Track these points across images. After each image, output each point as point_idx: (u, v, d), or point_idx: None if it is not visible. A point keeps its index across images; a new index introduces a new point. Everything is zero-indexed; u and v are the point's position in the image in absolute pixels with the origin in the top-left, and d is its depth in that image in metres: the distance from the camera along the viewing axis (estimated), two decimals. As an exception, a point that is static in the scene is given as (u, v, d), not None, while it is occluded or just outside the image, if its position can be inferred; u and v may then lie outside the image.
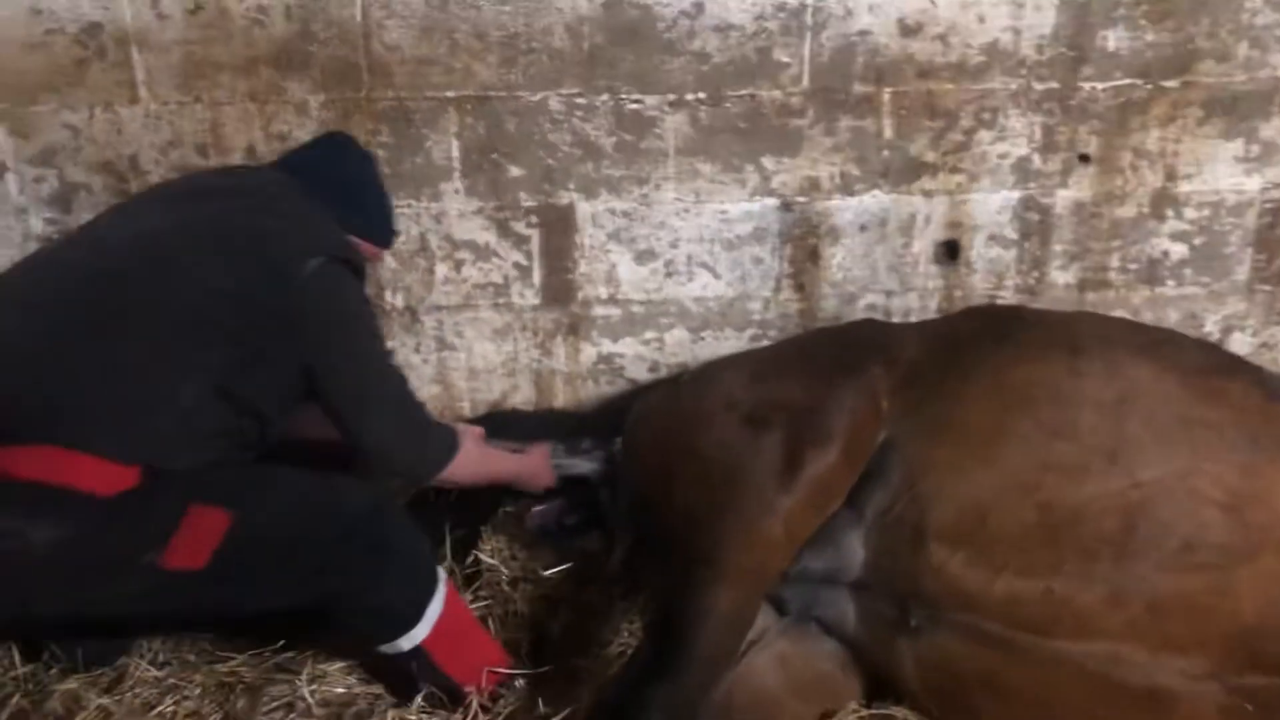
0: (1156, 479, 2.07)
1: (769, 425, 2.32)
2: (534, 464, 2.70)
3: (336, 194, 2.46)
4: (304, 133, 2.91)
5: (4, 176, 2.90)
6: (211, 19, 2.80)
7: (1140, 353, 2.28)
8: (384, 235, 2.69)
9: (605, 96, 2.94)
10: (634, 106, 2.96)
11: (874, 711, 2.33)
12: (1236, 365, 2.30)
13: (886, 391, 2.36)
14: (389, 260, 3.04)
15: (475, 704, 2.23)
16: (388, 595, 2.22)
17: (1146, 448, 2.10)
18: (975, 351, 2.39)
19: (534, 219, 3.05)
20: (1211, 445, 2.09)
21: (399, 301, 3.10)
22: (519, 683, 2.33)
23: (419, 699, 2.25)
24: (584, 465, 2.81)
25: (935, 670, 2.20)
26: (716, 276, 3.15)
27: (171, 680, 2.32)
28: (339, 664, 2.42)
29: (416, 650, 2.26)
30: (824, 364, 2.49)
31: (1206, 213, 3.17)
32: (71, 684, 2.29)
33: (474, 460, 2.46)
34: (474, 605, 2.70)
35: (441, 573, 2.32)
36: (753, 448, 2.28)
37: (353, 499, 2.22)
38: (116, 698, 2.25)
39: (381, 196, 2.69)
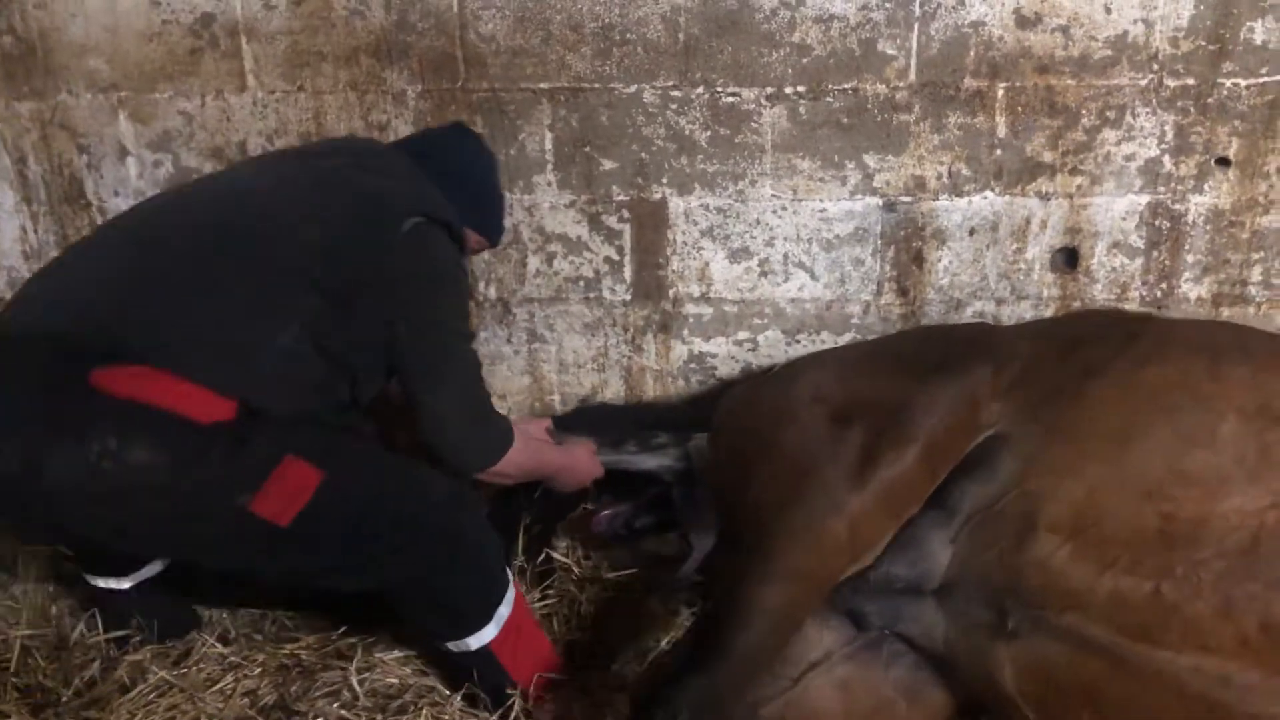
0: None
1: (852, 422, 2.21)
2: (577, 459, 2.65)
3: (449, 180, 2.47)
4: (402, 122, 2.94)
5: (125, 160, 3.04)
6: (315, 9, 2.86)
7: None
8: (491, 229, 2.69)
9: (701, 89, 2.87)
10: (730, 100, 2.87)
11: (937, 743, 2.20)
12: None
13: (995, 391, 2.21)
14: (483, 253, 3.04)
15: (517, 707, 2.21)
16: (458, 592, 2.22)
17: None
18: (1100, 349, 2.22)
19: (626, 213, 3.00)
20: None
21: (492, 293, 3.10)
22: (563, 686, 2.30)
23: (458, 698, 2.24)
24: (655, 461, 2.75)
25: (1035, 678, 2.03)
26: (814, 278, 3.03)
27: (234, 659, 2.38)
28: (398, 653, 2.44)
29: (484, 651, 2.25)
30: (923, 362, 2.35)
31: (1366, 224, 2.86)
32: (140, 655, 2.38)
33: (522, 455, 2.42)
34: (542, 603, 2.70)
35: (511, 574, 2.31)
36: (831, 444, 2.18)
37: (438, 488, 2.22)
38: (180, 671, 2.32)
39: (494, 191, 2.70)
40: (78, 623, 2.53)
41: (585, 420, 2.93)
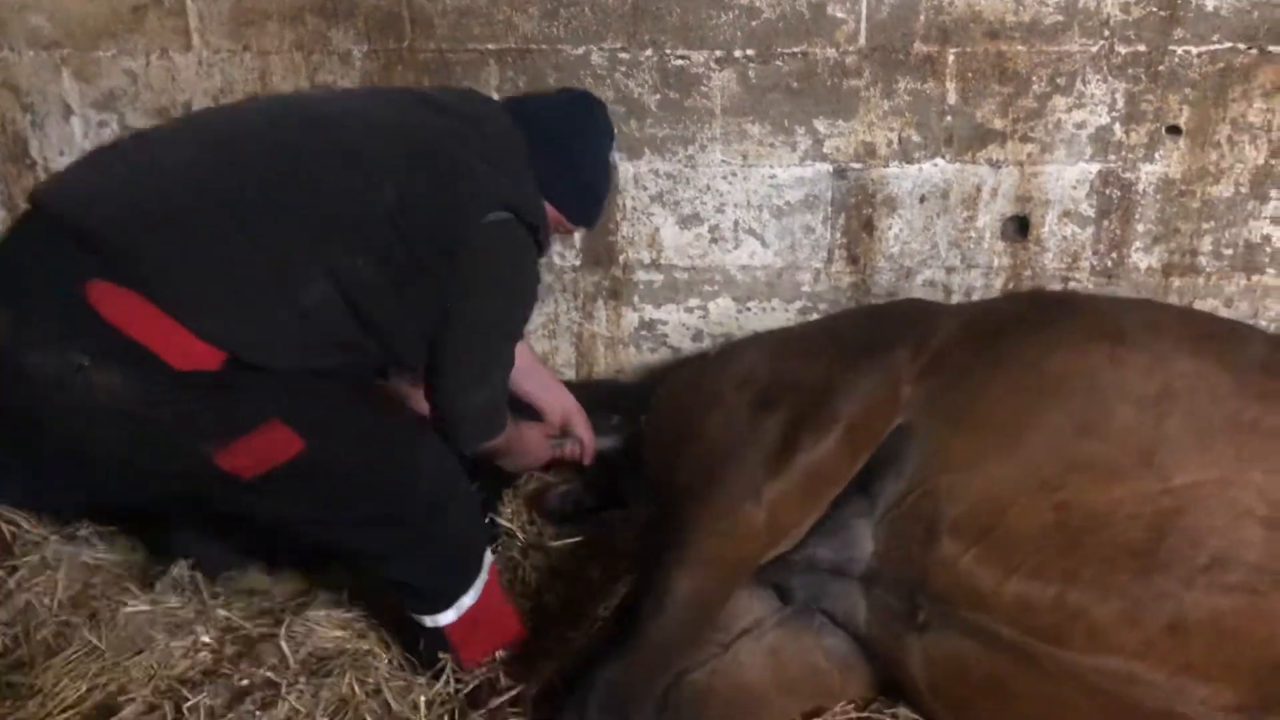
0: (1193, 485, 1.86)
1: (774, 406, 2.20)
2: (525, 438, 2.61)
3: (554, 157, 2.38)
4: (348, 83, 2.91)
5: (70, 120, 3.00)
6: (259, -33, 2.83)
7: (1193, 344, 2.05)
8: (583, 214, 2.55)
9: (650, 52, 2.84)
10: (680, 62, 2.84)
11: (868, 715, 2.20)
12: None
13: (910, 377, 2.20)
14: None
15: (448, 671, 2.20)
16: (427, 575, 2.20)
17: (1186, 450, 1.89)
18: (1011, 338, 2.20)
19: (575, 177, 2.97)
20: (1261, 452, 1.87)
21: (440, 257, 3.08)
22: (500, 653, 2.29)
23: (384, 663, 2.23)
24: (606, 442, 2.75)
25: (942, 670, 2.05)
26: (765, 245, 3.01)
27: (169, 618, 2.36)
28: (343, 613, 2.42)
29: (437, 630, 2.23)
30: (849, 345, 2.34)
31: (1318, 195, 2.85)
32: (66, 615, 2.35)
33: (507, 432, 2.42)
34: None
35: (488, 559, 2.29)
36: (752, 429, 2.17)
37: (430, 472, 2.14)
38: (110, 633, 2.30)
39: (600, 175, 2.56)
40: (7, 577, 2.51)
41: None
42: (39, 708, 2.09)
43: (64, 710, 2.10)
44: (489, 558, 2.29)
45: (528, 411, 2.69)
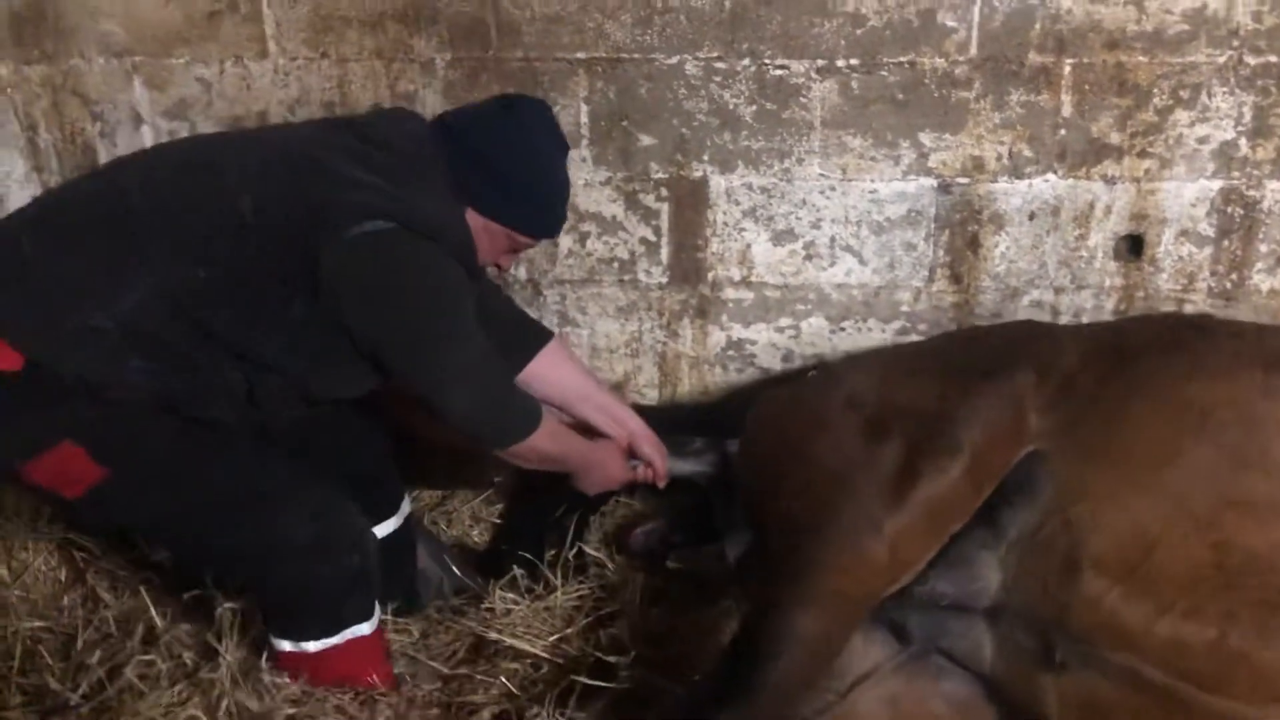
0: None
1: (890, 432, 2.07)
2: (604, 456, 2.52)
3: (476, 167, 2.25)
4: (430, 92, 2.79)
5: (140, 129, 2.89)
6: (339, -29, 2.70)
7: None
8: (525, 222, 2.34)
9: (747, 61, 2.70)
10: (778, 73, 2.71)
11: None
12: None
13: (1037, 403, 2.06)
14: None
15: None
16: (264, 605, 2.24)
17: None
18: (1145, 363, 2.06)
19: (664, 191, 2.84)
20: None
21: (521, 274, 2.96)
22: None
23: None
24: (688, 467, 2.62)
25: (1081, 714, 1.91)
26: (862, 262, 2.87)
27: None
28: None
29: (275, 650, 2.23)
30: (966, 368, 2.20)
31: None
32: (152, 655, 2.26)
33: (556, 435, 2.36)
34: (575, 594, 2.58)
35: (354, 631, 2.20)
36: (867, 456, 2.04)
37: (297, 534, 2.11)
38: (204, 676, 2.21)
39: (536, 180, 2.33)
40: (92, 614, 2.42)
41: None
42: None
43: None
44: (357, 630, 2.21)
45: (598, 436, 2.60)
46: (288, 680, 2.20)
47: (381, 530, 2.46)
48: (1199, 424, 1.90)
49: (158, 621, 2.38)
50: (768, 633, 1.88)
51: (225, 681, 2.13)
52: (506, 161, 2.27)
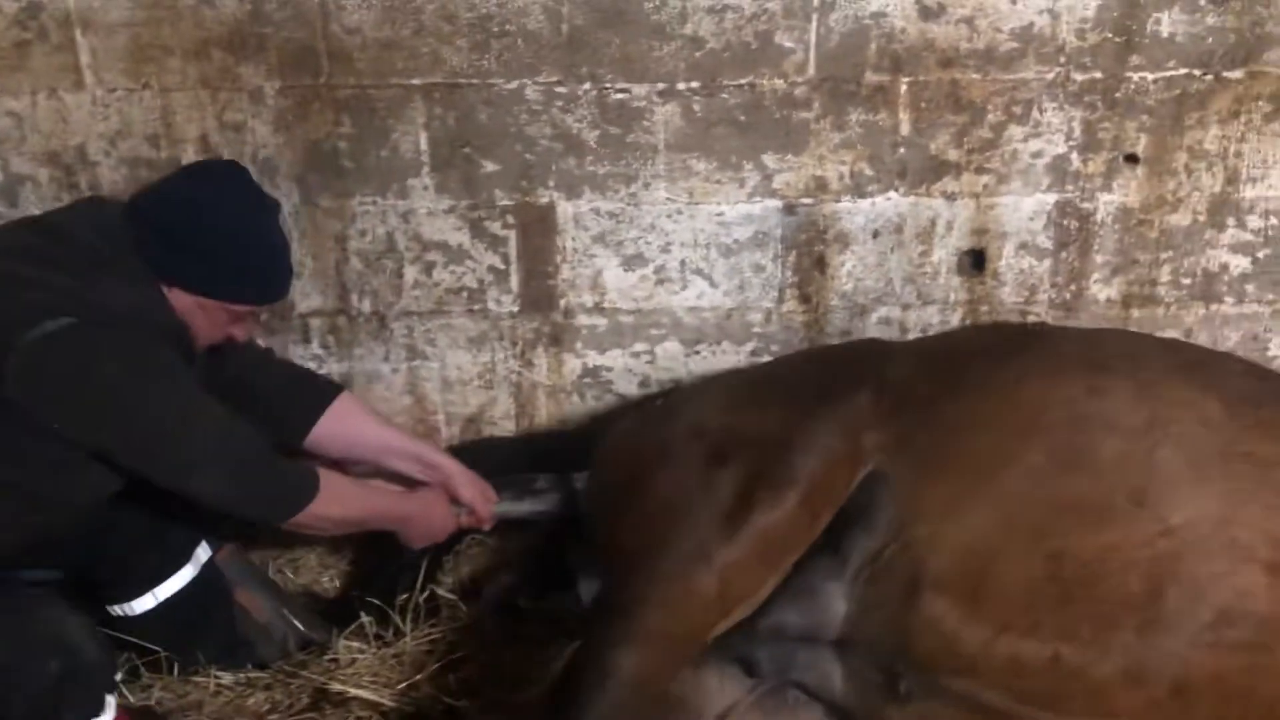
0: (1190, 524, 1.74)
1: (728, 462, 2.04)
2: (421, 506, 2.44)
3: (169, 244, 2.16)
4: (260, 122, 2.68)
5: (-53, 167, 2.72)
6: (158, -2, 2.58)
7: (1176, 372, 1.95)
8: (232, 291, 2.25)
9: (588, 85, 2.66)
10: (620, 96, 2.67)
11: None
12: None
13: (874, 421, 2.05)
14: (354, 262, 2.80)
15: None
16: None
17: (1180, 485, 1.78)
18: (978, 369, 2.07)
19: (510, 219, 2.78)
20: (1259, 486, 1.76)
21: (365, 306, 2.85)
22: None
23: None
24: (530, 507, 2.55)
25: None
26: (713, 285, 2.85)
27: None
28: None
29: None
30: (806, 391, 2.19)
31: (1274, 221, 2.79)
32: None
33: (345, 498, 2.27)
34: (427, 639, 2.49)
35: None
36: (705, 488, 2.00)
37: (31, 685, 2.00)
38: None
39: (237, 244, 2.23)
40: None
41: (469, 459, 2.69)
42: None
43: None
44: None
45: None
46: None
47: (172, 585, 2.35)
48: (1028, 427, 1.91)
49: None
50: (588, 672, 1.83)
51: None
52: (198, 231, 2.18)
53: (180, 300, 2.19)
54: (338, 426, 2.48)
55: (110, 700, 2.12)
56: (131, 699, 2.36)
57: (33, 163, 2.70)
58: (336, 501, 2.23)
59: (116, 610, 2.33)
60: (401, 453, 2.54)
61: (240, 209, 2.23)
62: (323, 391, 2.53)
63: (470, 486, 2.53)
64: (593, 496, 2.36)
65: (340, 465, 2.45)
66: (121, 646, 2.41)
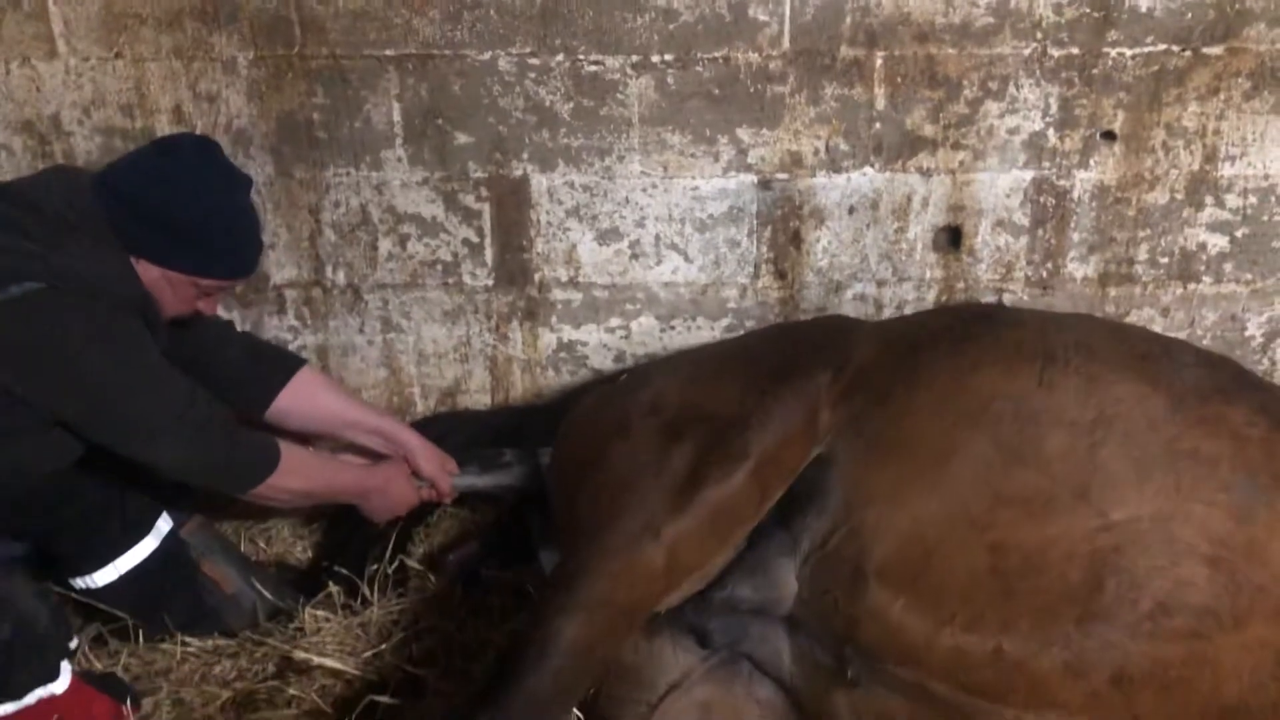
0: (1131, 520, 1.74)
1: (682, 437, 2.03)
2: (385, 479, 2.45)
3: (136, 216, 2.16)
4: (234, 92, 2.68)
5: (-77, 135, 2.73)
6: (129, -34, 2.57)
7: (1127, 366, 1.93)
8: (200, 266, 2.24)
9: (561, 57, 2.65)
10: (593, 69, 2.66)
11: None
12: (1244, 386, 1.91)
13: (829, 401, 2.05)
14: (329, 234, 2.80)
15: None
16: None
17: (1123, 482, 1.78)
18: (931, 355, 2.05)
19: (484, 191, 2.78)
20: (1200, 482, 1.75)
21: (340, 278, 2.86)
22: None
23: None
24: (494, 480, 2.55)
25: None
26: (688, 260, 2.84)
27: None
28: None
29: None
30: (766, 368, 2.18)
31: (1253, 200, 2.76)
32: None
33: (305, 470, 2.29)
34: (395, 609, 2.50)
35: (48, 690, 2.11)
36: (658, 462, 2.00)
37: None
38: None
39: (205, 219, 2.22)
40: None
41: (437, 432, 2.70)
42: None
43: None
44: (44, 691, 2.10)
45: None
46: None
47: (133, 557, 2.35)
48: (976, 417, 1.90)
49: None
50: (531, 640, 1.83)
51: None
52: (167, 206, 2.18)
53: (148, 272, 2.19)
54: (299, 400, 2.49)
55: (65, 667, 2.12)
56: (98, 665, 2.37)
57: (6, 131, 2.71)
58: (296, 474, 2.25)
59: (79, 583, 2.34)
60: (363, 426, 2.55)
61: (210, 185, 2.23)
62: (284, 364, 2.53)
63: (430, 461, 2.54)
64: (554, 470, 2.36)
65: (303, 439, 2.46)
66: (88, 614, 2.42)
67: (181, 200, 2.18)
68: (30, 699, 2.08)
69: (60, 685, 2.11)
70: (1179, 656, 1.66)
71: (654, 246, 2.83)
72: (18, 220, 2.09)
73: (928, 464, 1.87)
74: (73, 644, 2.26)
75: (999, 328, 2.06)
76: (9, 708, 2.07)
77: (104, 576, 2.33)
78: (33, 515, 2.21)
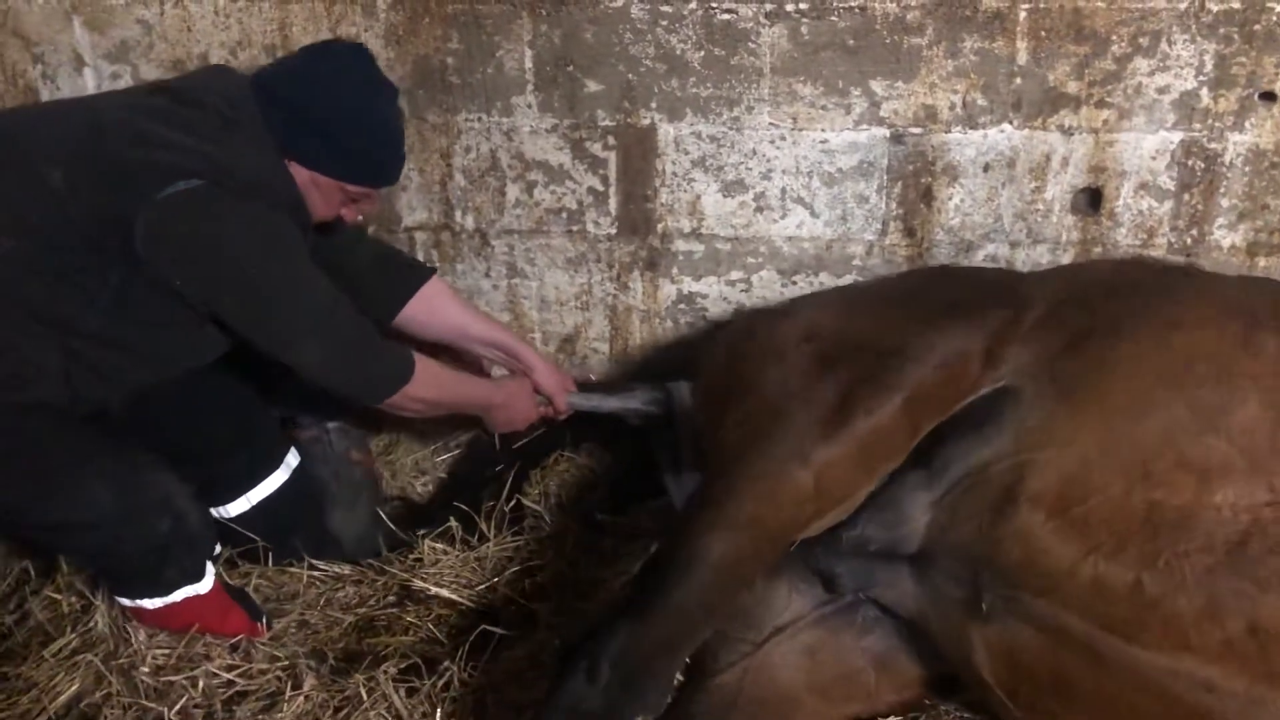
0: None
1: (838, 365, 2.03)
2: (509, 394, 2.50)
3: (292, 118, 2.20)
4: (373, 35, 2.73)
5: (82, 71, 2.85)
6: (278, -90, 2.64)
7: None
8: (349, 170, 2.28)
9: (694, 4, 2.63)
10: (726, 16, 2.63)
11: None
12: None
13: (1015, 337, 2.01)
14: (459, 178, 2.85)
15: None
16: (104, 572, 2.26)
17: None
18: (1132, 303, 1.99)
19: (611, 140, 2.78)
20: None
21: (469, 223, 2.90)
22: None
23: None
24: (617, 404, 2.58)
25: (1008, 664, 1.87)
26: (814, 214, 2.81)
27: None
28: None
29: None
30: (933, 304, 2.16)
31: None
32: (62, 596, 2.32)
33: (437, 382, 2.33)
34: (510, 545, 2.56)
35: (194, 590, 2.24)
36: (811, 388, 1.99)
37: (94, 506, 2.10)
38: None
39: (355, 125, 2.25)
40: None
41: None
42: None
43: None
44: (189, 590, 2.23)
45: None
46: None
47: (265, 489, 2.45)
48: (1179, 378, 1.84)
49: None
50: (677, 554, 1.84)
51: (105, 629, 2.17)
52: (320, 110, 2.22)
53: (299, 175, 2.25)
54: (426, 309, 2.55)
55: (210, 568, 2.23)
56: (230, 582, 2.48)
57: (159, 69, 2.82)
58: (429, 385, 2.30)
59: (212, 513, 2.45)
60: (485, 340, 2.61)
61: (361, 91, 2.27)
62: (414, 273, 2.59)
63: (550, 376, 2.61)
64: (701, 394, 2.38)
65: (425, 347, 2.50)
66: (220, 538, 2.53)
67: (333, 104, 2.23)
68: (177, 595, 2.21)
69: (205, 585, 2.23)
70: None
71: (779, 200, 2.80)
72: (181, 115, 2.15)
73: (1119, 419, 1.83)
74: (216, 550, 2.37)
75: (1200, 283, 2.00)
76: (156, 602, 2.20)
77: (237, 507, 2.44)
78: (168, 425, 2.31)
